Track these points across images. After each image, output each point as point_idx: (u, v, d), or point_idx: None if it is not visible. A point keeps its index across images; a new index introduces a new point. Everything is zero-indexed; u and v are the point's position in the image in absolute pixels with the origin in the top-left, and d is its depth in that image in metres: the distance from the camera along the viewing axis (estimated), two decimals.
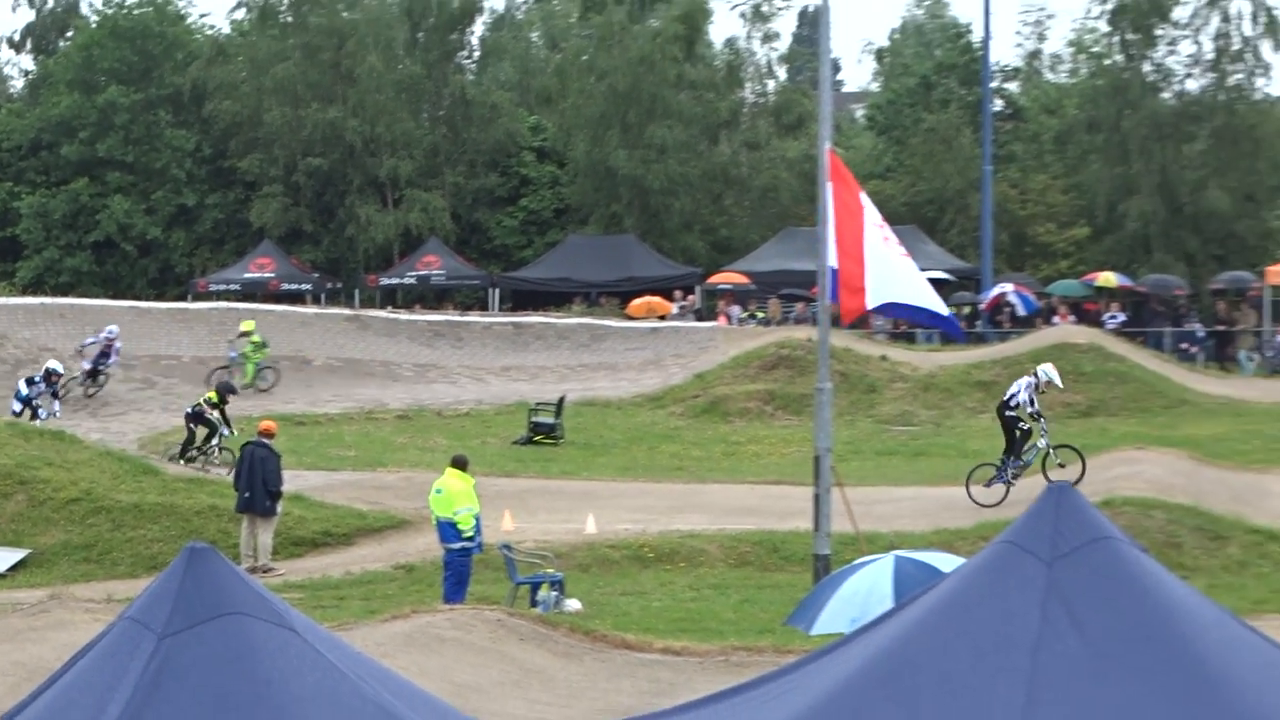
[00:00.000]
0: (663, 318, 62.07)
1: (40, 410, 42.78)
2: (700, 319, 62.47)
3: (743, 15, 74.08)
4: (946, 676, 6.89)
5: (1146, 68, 69.98)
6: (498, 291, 67.68)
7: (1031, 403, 34.24)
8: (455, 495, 27.52)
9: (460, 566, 27.57)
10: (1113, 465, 35.95)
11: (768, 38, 74.58)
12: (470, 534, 27.51)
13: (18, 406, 42.97)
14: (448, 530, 27.40)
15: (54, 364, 45.03)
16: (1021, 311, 59.65)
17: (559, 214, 72.85)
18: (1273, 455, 39.55)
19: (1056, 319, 59.19)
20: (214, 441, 38.09)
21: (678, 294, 65.66)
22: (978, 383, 48.47)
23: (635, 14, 71.74)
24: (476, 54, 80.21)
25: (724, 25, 69.77)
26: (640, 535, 30.89)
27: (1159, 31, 69.53)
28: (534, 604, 26.21)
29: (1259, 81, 71.03)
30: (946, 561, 16.34)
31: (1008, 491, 33.37)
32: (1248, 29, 68.98)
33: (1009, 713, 6.60)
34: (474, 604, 25.07)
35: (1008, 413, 35.00)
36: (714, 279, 66.07)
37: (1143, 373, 50.34)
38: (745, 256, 66.55)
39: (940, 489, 35.49)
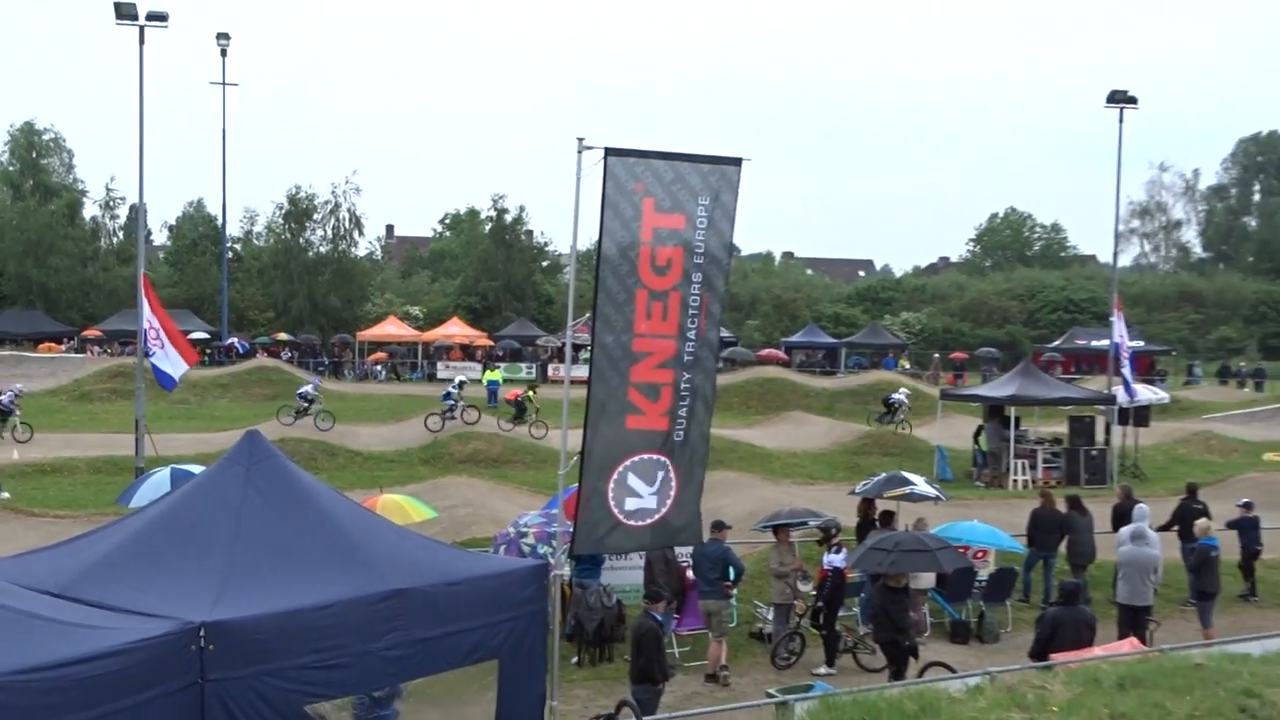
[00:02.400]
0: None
1: None
2: (78, 352, 61.91)
3: (99, 204, 76.77)
4: (193, 522, 8.53)
5: (302, 240, 75.39)
6: None
7: None
8: None
9: None
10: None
11: (113, 216, 77.67)
12: None
13: None
14: None
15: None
16: (241, 351, 61.86)
17: (2, 300, 72.15)
18: (364, 418, 42.19)
19: (259, 356, 60.95)
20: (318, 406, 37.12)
21: (65, 340, 64.95)
22: (221, 386, 50.98)
23: (41, 201, 73.12)
24: None
25: (90, 209, 71.55)
26: (42, 460, 30.76)
27: (308, 223, 75.37)
28: None
29: (354, 250, 78.04)
30: (201, 469, 14.36)
31: None
32: (348, 224, 76.07)
33: (227, 538, 8.28)
34: None
35: None
36: (86, 333, 65.64)
37: (298, 380, 49.62)
38: (101, 321, 67.33)
39: (199, 435, 35.71)
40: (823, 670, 15.21)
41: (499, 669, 9.27)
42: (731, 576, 15.58)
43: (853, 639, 15.93)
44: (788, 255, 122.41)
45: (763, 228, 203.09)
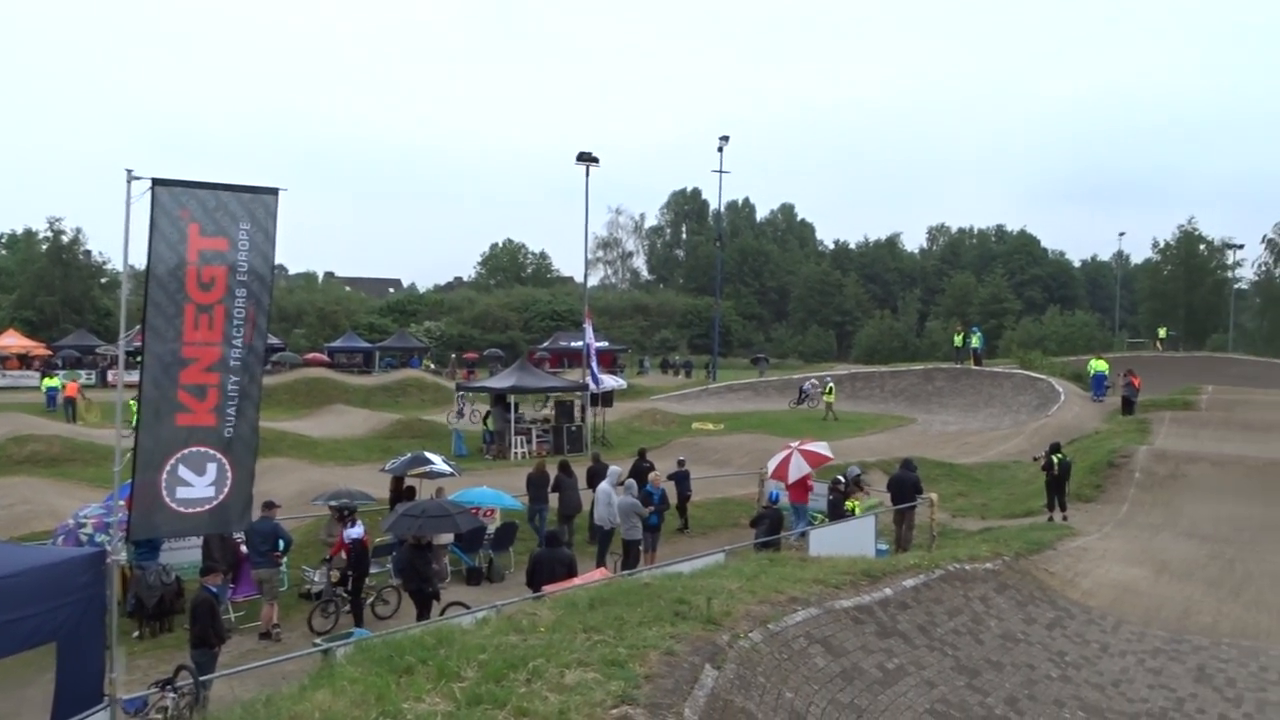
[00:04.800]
0: None
1: None
2: None
3: None
4: None
5: None
6: None
7: None
8: None
9: None
10: None
11: None
12: None
13: None
14: None
15: None
16: None
17: None
18: None
19: None
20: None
21: None
22: None
23: None
24: None
25: None
26: None
27: None
28: None
29: None
30: None
31: None
32: None
33: None
34: None
35: None
36: None
37: None
38: None
39: None
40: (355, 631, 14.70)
41: (57, 650, 8.40)
42: (281, 547, 14.85)
43: (370, 594, 15.32)
44: (329, 274, 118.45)
45: (307, 250, 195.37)
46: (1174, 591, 14.66)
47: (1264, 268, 72.16)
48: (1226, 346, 63.24)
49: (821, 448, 19.99)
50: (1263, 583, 15.28)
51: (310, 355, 65.14)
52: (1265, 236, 71.53)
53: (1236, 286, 73.85)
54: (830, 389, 41.73)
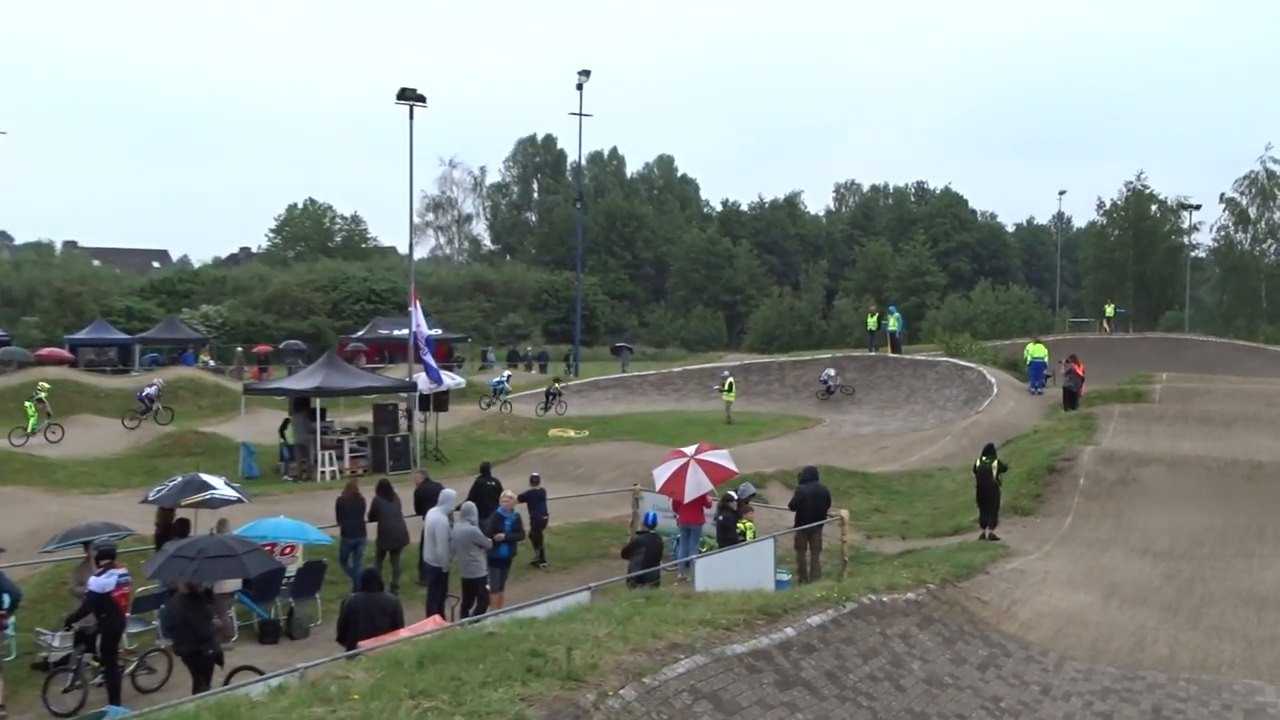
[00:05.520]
0: None
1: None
2: None
3: None
4: None
5: None
6: None
7: None
8: None
9: None
10: None
11: None
12: None
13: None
14: None
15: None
16: None
17: None
18: None
19: None
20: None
21: None
22: None
23: None
24: None
25: None
26: None
27: None
28: None
29: None
30: None
31: None
32: None
33: None
34: None
35: None
36: None
37: None
38: None
39: None
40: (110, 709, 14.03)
41: None
42: (6, 605, 14.19)
43: (130, 661, 14.73)
44: (70, 245, 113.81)
45: (40, 213, 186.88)
46: (1125, 619, 15.34)
47: (1224, 232, 76.14)
48: (1183, 325, 66.80)
49: (722, 458, 19.77)
50: (1225, 605, 16.14)
51: (46, 350, 62.74)
52: (1224, 195, 75.42)
53: (1193, 254, 77.84)
54: (730, 385, 42.34)
